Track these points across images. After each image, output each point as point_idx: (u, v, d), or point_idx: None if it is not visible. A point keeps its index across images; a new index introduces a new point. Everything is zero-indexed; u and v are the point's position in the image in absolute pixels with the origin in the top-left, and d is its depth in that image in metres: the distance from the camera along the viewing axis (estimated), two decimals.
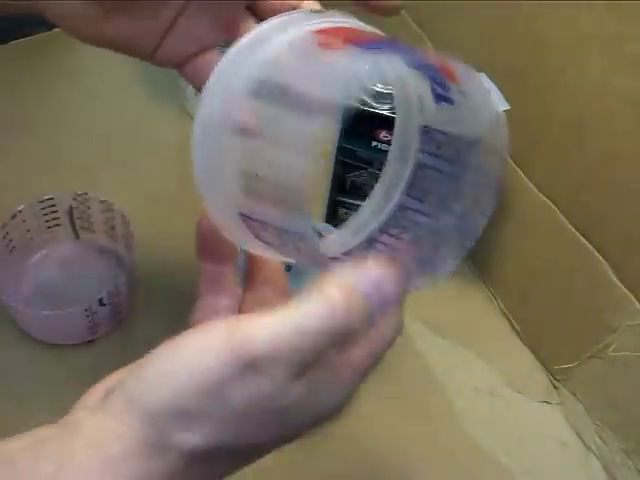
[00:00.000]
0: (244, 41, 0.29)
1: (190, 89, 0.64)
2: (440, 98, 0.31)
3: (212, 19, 0.35)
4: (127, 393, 0.28)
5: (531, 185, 0.52)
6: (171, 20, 0.35)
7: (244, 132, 0.27)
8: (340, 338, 0.26)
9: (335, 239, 0.32)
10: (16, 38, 0.69)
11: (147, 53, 0.36)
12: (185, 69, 0.36)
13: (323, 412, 0.28)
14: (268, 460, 0.48)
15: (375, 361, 0.30)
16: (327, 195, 0.54)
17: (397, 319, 0.30)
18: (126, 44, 0.36)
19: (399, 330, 0.30)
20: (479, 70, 0.49)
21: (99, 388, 0.31)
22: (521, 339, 0.55)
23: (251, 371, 0.25)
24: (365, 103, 0.49)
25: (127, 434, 0.26)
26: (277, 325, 0.25)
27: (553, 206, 0.50)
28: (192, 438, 0.26)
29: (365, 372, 0.29)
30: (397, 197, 0.33)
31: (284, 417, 0.27)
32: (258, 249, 0.31)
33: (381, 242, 0.32)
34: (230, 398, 0.26)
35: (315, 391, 0.27)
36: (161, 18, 0.35)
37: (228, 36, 0.34)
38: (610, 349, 0.47)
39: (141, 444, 0.26)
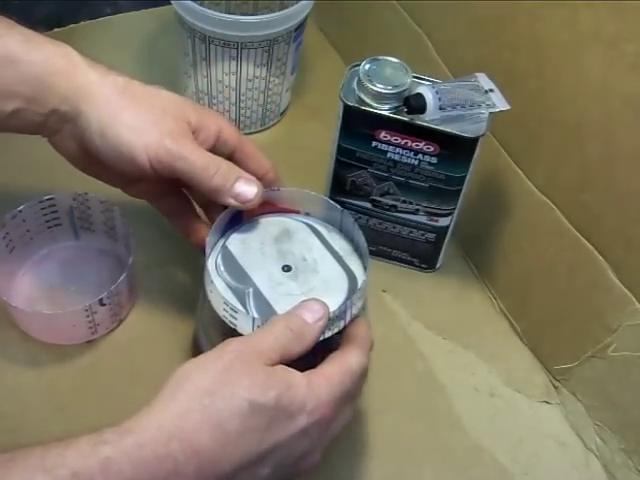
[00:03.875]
0: None
1: (190, 90, 0.64)
2: None
3: (169, 185, 0.48)
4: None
5: (531, 185, 0.52)
6: (138, 180, 0.47)
7: None
8: None
9: None
10: None
11: (121, 189, 0.49)
12: (153, 204, 0.50)
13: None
14: None
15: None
16: (327, 195, 0.54)
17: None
18: (104, 180, 0.49)
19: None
20: (479, 70, 0.50)
21: None
22: (521, 339, 0.55)
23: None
24: (365, 103, 0.49)
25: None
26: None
27: (553, 206, 0.50)
28: None
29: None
30: None
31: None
32: None
33: None
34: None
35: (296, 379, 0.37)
36: (130, 178, 0.47)
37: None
38: (610, 349, 0.47)
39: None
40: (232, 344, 0.37)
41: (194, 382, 0.35)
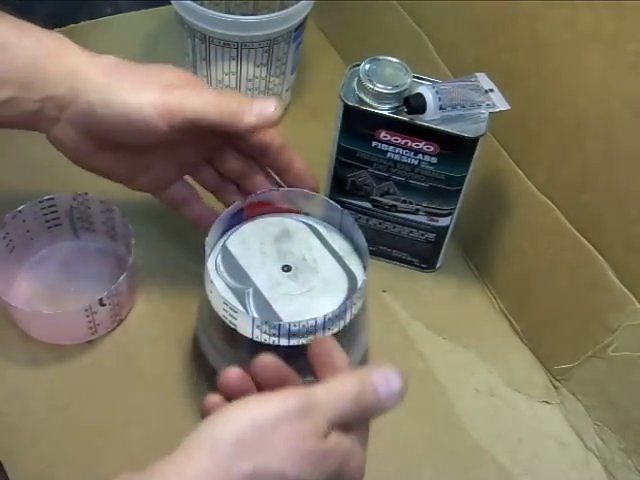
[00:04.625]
0: None
1: None
2: None
3: (179, 166, 0.48)
4: (199, 433, 0.33)
5: (531, 185, 0.52)
6: (146, 165, 0.47)
7: None
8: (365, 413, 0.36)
9: None
10: None
11: (125, 182, 0.48)
12: (159, 195, 0.49)
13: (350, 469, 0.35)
14: None
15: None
16: (327, 195, 0.54)
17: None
18: (108, 174, 0.47)
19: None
20: (479, 70, 0.50)
21: None
22: (521, 339, 0.55)
23: (304, 414, 0.33)
24: (365, 103, 0.49)
25: (196, 465, 0.31)
26: (330, 389, 0.35)
27: (553, 206, 0.50)
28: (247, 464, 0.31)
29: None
30: None
31: (319, 460, 0.33)
32: None
33: None
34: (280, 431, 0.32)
35: (349, 449, 0.35)
36: (138, 162, 0.46)
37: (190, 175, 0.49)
38: (610, 349, 0.47)
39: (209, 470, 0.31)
40: (292, 398, 0.33)
41: (239, 435, 0.32)
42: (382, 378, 0.35)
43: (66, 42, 0.44)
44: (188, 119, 0.42)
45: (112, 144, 0.44)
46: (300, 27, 0.61)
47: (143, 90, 0.42)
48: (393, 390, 0.35)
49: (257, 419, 0.32)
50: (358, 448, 0.36)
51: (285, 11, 0.58)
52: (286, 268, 0.45)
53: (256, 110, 0.43)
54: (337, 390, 0.35)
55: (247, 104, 0.43)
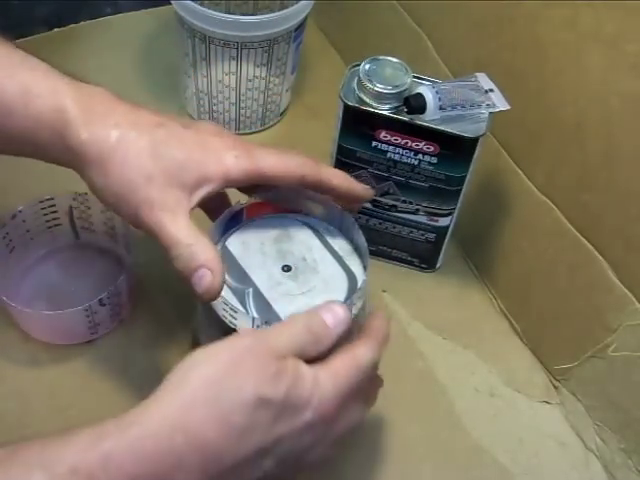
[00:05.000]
0: None
1: (190, 90, 0.64)
2: None
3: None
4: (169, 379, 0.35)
5: (531, 185, 0.52)
6: None
7: None
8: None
9: None
10: (16, 38, 0.69)
11: None
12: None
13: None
14: None
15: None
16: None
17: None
18: None
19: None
20: (479, 70, 0.50)
21: None
22: (521, 339, 0.55)
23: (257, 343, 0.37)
24: (365, 103, 0.49)
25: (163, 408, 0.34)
26: (280, 324, 0.40)
27: (553, 206, 0.50)
28: None
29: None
30: None
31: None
32: None
33: None
34: None
35: (310, 374, 0.37)
36: None
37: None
38: (610, 349, 0.47)
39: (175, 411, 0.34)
40: (245, 337, 0.37)
41: (201, 372, 0.35)
42: (326, 309, 0.39)
43: (67, 112, 0.41)
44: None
45: None
46: (300, 27, 0.61)
47: (123, 198, 0.41)
48: (338, 316, 0.39)
49: (214, 356, 0.36)
50: (331, 386, 0.37)
51: (285, 11, 0.58)
52: (286, 268, 0.45)
53: (195, 279, 0.40)
54: (286, 323, 0.39)
55: (190, 269, 0.40)
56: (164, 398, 0.34)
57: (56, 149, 0.41)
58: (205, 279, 0.40)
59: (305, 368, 0.37)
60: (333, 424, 0.38)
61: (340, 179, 0.46)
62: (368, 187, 0.48)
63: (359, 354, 0.39)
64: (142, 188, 0.40)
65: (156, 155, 0.41)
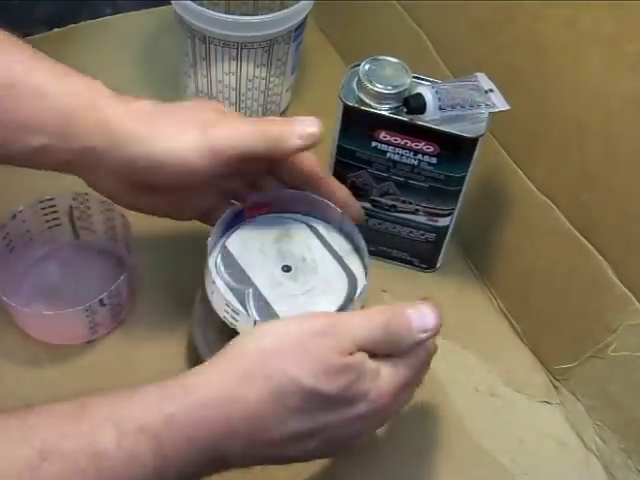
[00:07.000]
0: None
1: (190, 90, 0.64)
2: None
3: (224, 194, 0.48)
4: (229, 347, 0.37)
5: (531, 185, 0.52)
6: (191, 198, 0.47)
7: None
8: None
9: None
10: None
11: (171, 216, 0.48)
12: (207, 221, 0.48)
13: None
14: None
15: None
16: None
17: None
18: (152, 212, 0.47)
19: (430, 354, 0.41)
20: (479, 70, 0.50)
21: None
22: (521, 339, 0.55)
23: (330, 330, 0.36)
24: (365, 103, 0.49)
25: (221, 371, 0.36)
26: (359, 313, 0.40)
27: (553, 206, 0.50)
28: None
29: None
30: None
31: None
32: None
33: None
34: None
35: (373, 369, 0.37)
36: (182, 198, 0.46)
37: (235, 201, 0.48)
38: (610, 349, 0.47)
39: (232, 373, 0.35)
40: (319, 319, 0.37)
41: (265, 345, 0.36)
42: (416, 311, 0.38)
43: (101, 90, 0.43)
44: (234, 155, 0.42)
45: (154, 187, 0.44)
46: (300, 27, 0.61)
47: (184, 136, 0.42)
48: (426, 323, 0.38)
49: (281, 333, 0.36)
50: (390, 379, 0.37)
51: (285, 11, 0.58)
52: (286, 268, 0.45)
53: (299, 131, 0.43)
54: (365, 314, 0.38)
55: (288, 127, 0.43)
56: (224, 367, 0.36)
57: (88, 127, 0.41)
58: (307, 118, 0.43)
59: (369, 364, 0.37)
60: (384, 414, 0.39)
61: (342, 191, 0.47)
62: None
63: (422, 352, 0.39)
64: (195, 116, 0.43)
65: (188, 101, 0.45)
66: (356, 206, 0.48)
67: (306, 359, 0.35)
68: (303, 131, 0.43)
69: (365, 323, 0.37)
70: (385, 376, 0.37)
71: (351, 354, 0.36)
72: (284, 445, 0.36)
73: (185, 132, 0.42)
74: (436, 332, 0.38)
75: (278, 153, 0.43)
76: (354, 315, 0.39)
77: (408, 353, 0.38)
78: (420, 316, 0.38)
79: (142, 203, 0.46)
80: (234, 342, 0.37)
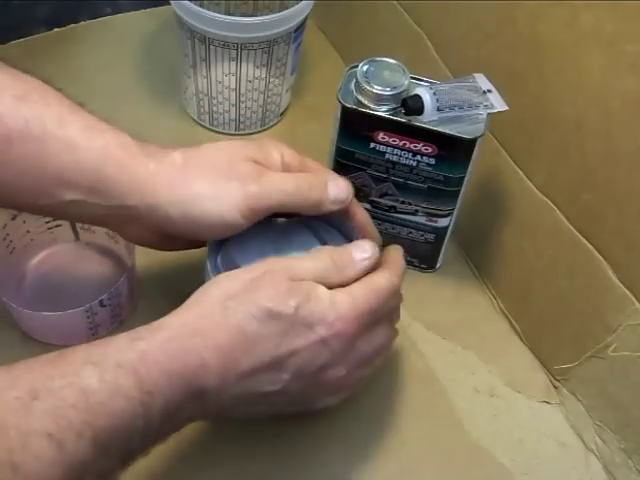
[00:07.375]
0: None
1: (190, 91, 0.64)
2: None
3: None
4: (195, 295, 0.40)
5: (531, 185, 0.52)
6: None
7: None
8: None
9: None
10: (16, 38, 0.69)
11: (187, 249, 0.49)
12: None
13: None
14: (268, 461, 0.48)
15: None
16: None
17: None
18: (172, 250, 0.49)
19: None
20: (479, 70, 0.50)
21: None
22: (521, 339, 0.55)
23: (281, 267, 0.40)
24: (363, 105, 0.49)
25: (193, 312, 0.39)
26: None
27: (553, 206, 0.50)
28: None
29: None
30: None
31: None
32: None
33: None
34: None
35: (322, 292, 0.39)
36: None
37: None
38: (610, 349, 0.47)
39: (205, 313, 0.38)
40: (268, 261, 0.40)
41: (220, 288, 0.39)
42: (354, 244, 0.42)
43: (132, 148, 0.42)
44: (269, 211, 0.43)
45: (187, 237, 0.45)
46: (300, 27, 0.61)
47: (222, 196, 0.42)
48: (365, 250, 0.41)
49: (236, 274, 0.40)
50: (347, 305, 0.39)
51: (285, 12, 0.58)
52: None
53: (332, 197, 0.44)
54: (312, 252, 0.42)
55: (324, 192, 0.44)
56: (187, 308, 0.39)
57: (119, 185, 0.41)
58: (339, 183, 0.45)
59: (322, 289, 0.39)
60: (352, 344, 0.40)
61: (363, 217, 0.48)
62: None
63: (379, 280, 0.41)
64: (231, 172, 0.42)
65: (219, 147, 0.44)
66: (372, 231, 0.49)
67: (259, 289, 0.38)
68: (336, 198, 0.44)
69: (311, 258, 0.41)
70: (342, 302, 0.39)
71: (300, 281, 0.39)
72: (255, 376, 0.38)
73: (222, 191, 0.42)
74: (374, 257, 0.41)
75: (310, 213, 0.45)
76: (302, 255, 0.42)
77: (361, 284, 0.40)
78: (360, 248, 0.42)
79: (172, 247, 0.48)
80: (195, 292, 0.39)
